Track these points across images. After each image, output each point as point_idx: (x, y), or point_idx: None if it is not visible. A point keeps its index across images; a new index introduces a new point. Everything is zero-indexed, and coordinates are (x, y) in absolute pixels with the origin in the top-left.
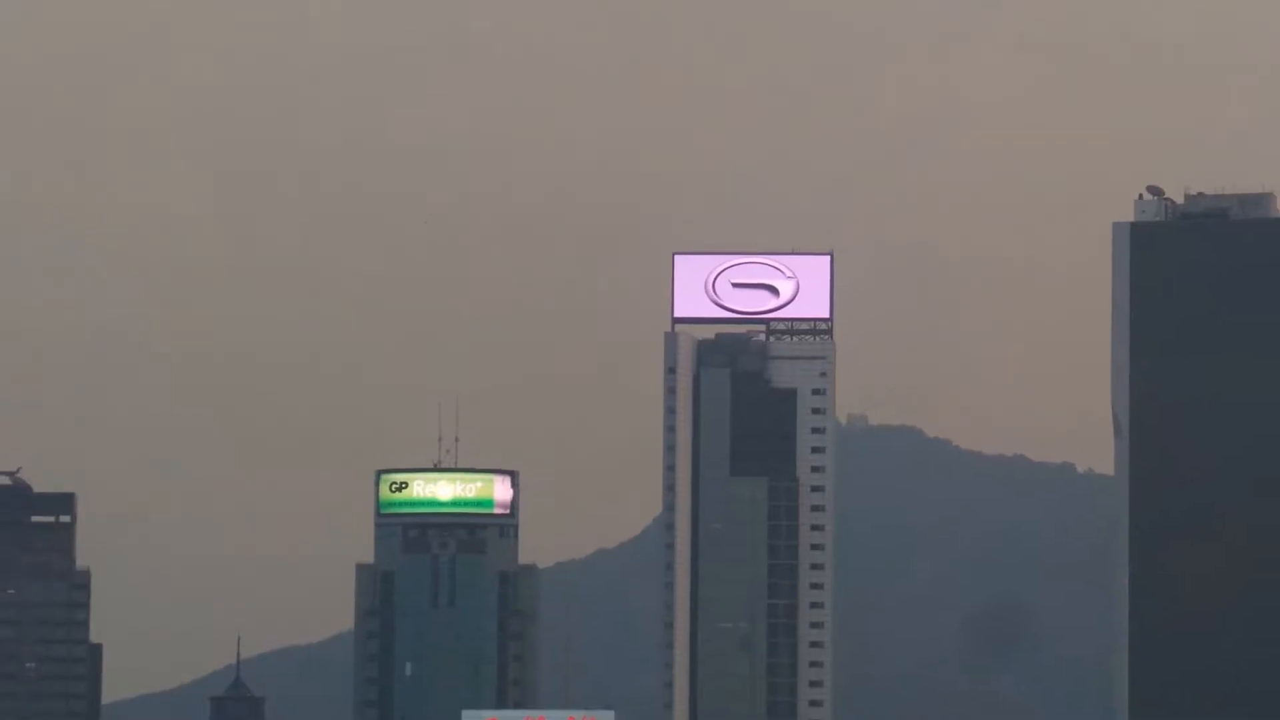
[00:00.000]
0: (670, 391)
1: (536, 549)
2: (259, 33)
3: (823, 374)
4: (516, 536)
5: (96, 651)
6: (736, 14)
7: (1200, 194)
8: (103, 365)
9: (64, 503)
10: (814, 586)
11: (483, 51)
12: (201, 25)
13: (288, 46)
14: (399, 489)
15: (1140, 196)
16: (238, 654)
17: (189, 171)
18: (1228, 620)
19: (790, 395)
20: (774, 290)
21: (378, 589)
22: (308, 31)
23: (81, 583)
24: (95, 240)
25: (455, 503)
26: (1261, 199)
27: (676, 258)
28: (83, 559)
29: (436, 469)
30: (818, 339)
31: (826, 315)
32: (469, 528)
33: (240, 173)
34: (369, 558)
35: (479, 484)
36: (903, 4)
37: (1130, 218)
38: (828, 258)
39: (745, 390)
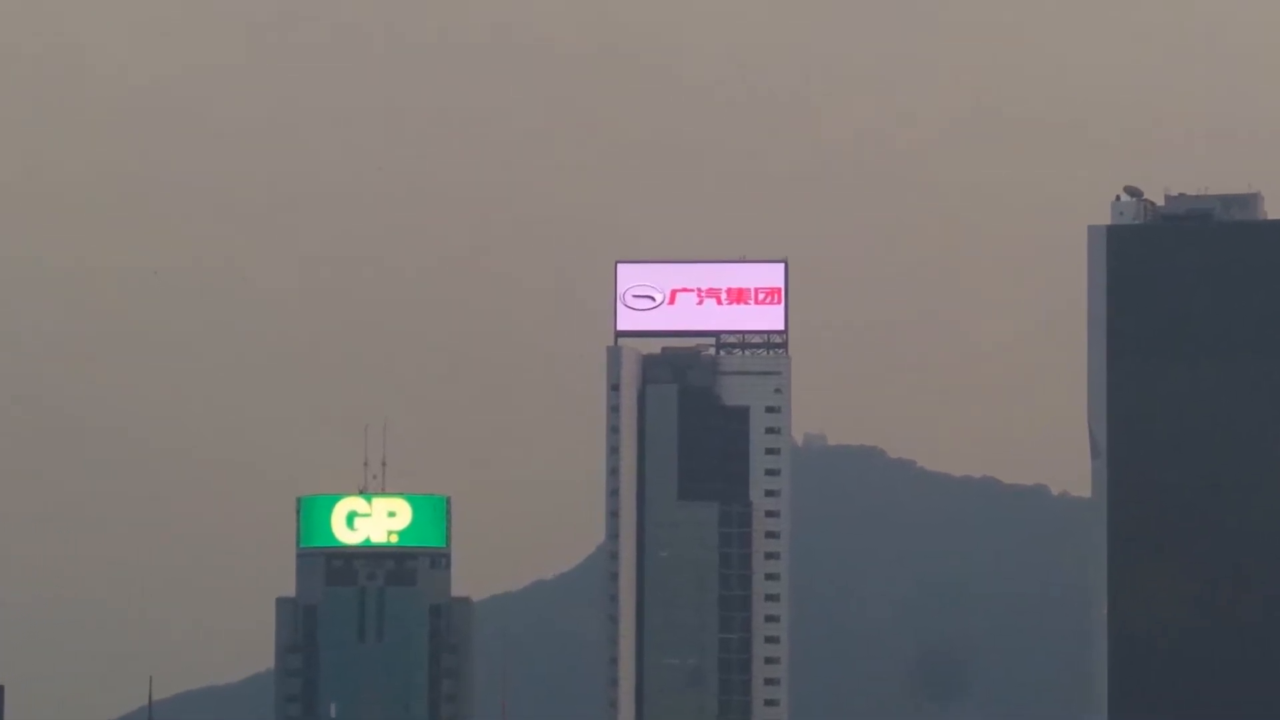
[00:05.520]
0: (614, 410)
1: (470, 580)
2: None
3: (777, 390)
4: (449, 567)
5: None
6: (691, 19)
7: (1181, 195)
8: (10, 402)
9: None
10: (769, 619)
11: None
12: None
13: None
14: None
15: (1117, 198)
16: (149, 696)
17: (115, 229)
18: (1209, 647)
19: (742, 413)
20: (725, 301)
21: (300, 624)
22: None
23: None
24: (20, 299)
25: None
26: (1247, 200)
27: (620, 266)
28: None
29: (363, 495)
30: (772, 353)
31: (781, 328)
32: (398, 558)
33: (165, 216)
34: (290, 590)
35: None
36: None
37: (1107, 220)
38: (782, 265)
39: (694, 408)
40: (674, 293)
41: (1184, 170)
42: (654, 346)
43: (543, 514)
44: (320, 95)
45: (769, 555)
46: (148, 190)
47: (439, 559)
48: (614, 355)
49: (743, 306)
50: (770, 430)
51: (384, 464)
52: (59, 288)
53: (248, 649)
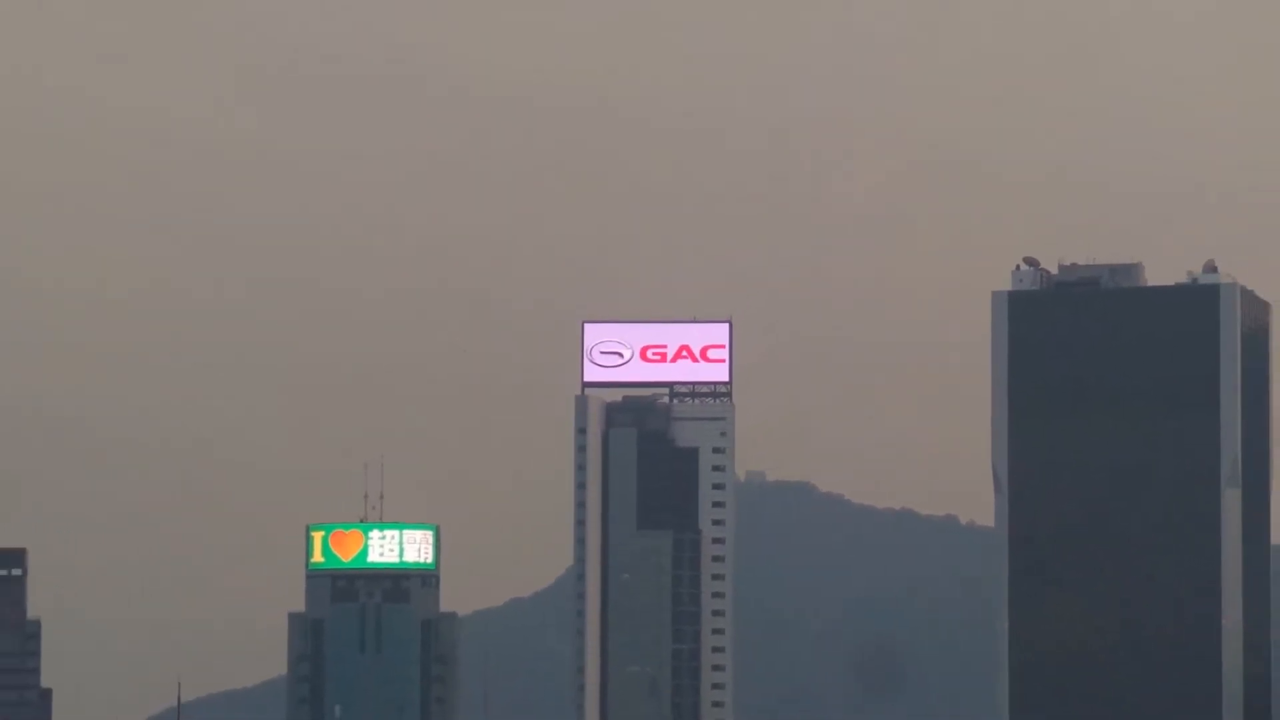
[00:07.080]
0: (581, 451)
1: (456, 598)
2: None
3: (723, 434)
4: (438, 586)
5: (47, 696)
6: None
7: (1074, 264)
8: (53, 432)
9: (16, 558)
10: (715, 632)
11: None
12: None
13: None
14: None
15: (1017, 267)
16: (179, 698)
17: (132, 253)
18: (1100, 662)
19: (693, 454)
20: (677, 356)
21: (309, 636)
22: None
23: (33, 632)
24: (41, 321)
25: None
26: (1130, 269)
27: (586, 326)
28: (34, 610)
29: (363, 524)
30: (718, 401)
31: (726, 379)
32: (394, 578)
33: (176, 250)
34: (300, 606)
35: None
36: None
37: (1008, 287)
38: (726, 325)
39: (651, 449)
40: (633, 349)
41: (1077, 240)
42: (616, 395)
43: (519, 540)
44: (281, 153)
45: (715, 577)
46: (135, 230)
47: (429, 579)
48: (581, 403)
49: (692, 361)
50: (717, 468)
51: (381, 496)
52: (79, 311)
53: (264, 658)
